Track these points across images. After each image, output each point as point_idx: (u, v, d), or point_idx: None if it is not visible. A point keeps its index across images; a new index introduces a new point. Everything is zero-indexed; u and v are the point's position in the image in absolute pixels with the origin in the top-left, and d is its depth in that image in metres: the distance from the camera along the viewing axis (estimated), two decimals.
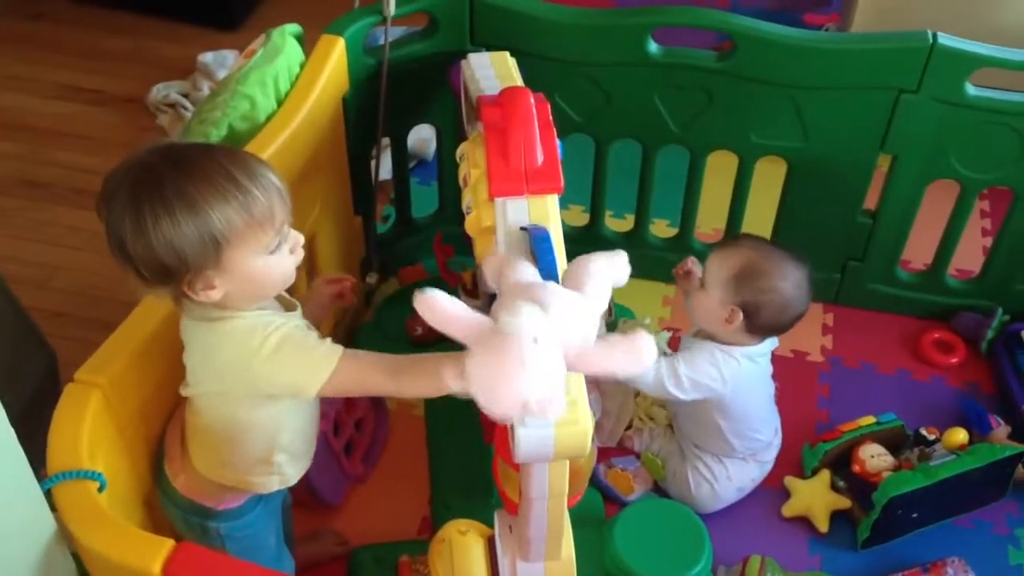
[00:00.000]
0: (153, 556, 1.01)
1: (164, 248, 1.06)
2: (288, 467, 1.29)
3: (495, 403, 0.92)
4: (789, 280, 1.52)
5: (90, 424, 1.14)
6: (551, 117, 1.20)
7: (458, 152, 1.26)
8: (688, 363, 1.54)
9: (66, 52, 2.65)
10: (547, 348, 0.92)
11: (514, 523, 1.20)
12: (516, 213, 1.13)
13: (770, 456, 1.68)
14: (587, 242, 1.99)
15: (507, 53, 1.47)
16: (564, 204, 1.99)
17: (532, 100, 1.17)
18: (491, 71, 1.38)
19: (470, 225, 1.21)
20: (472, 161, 1.20)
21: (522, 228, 1.11)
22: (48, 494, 1.07)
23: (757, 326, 1.54)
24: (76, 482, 1.09)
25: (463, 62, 1.47)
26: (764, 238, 1.61)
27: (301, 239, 1.17)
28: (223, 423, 1.21)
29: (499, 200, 1.14)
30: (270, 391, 1.16)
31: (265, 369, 1.13)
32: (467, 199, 1.22)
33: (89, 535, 1.05)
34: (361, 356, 1.16)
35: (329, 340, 1.16)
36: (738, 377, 1.55)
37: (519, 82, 1.37)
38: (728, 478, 1.63)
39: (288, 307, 1.23)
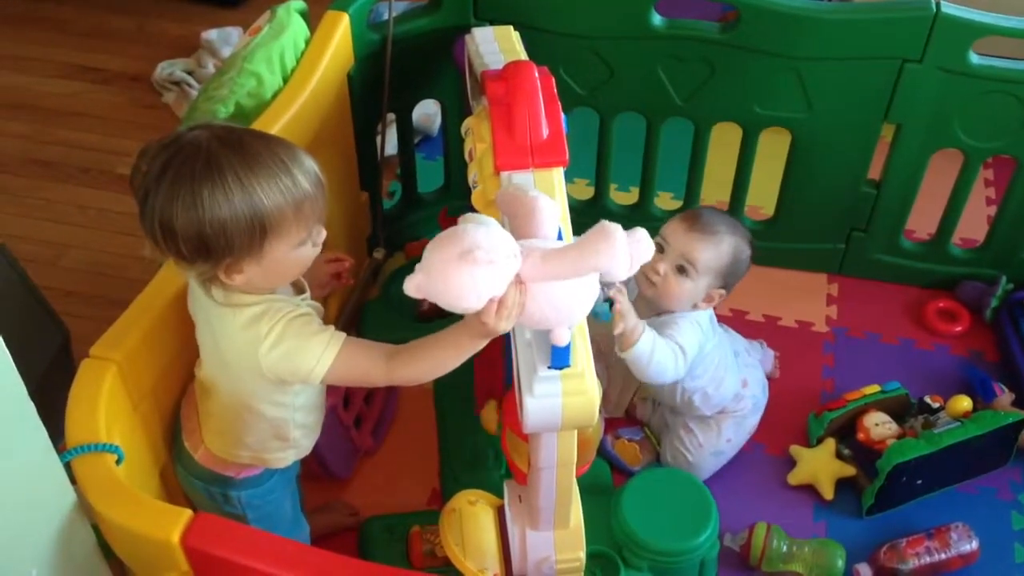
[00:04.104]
0: (172, 526, 1.03)
1: (215, 229, 1.07)
2: (304, 440, 1.32)
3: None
4: (749, 247, 1.59)
5: (106, 398, 1.16)
6: (555, 90, 1.21)
7: (463, 127, 1.27)
8: (683, 339, 1.54)
9: (70, 31, 2.65)
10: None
11: (523, 493, 1.22)
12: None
13: (743, 407, 1.67)
14: (592, 215, 1.97)
15: (511, 27, 1.47)
16: (569, 178, 1.99)
17: (536, 74, 1.18)
18: (495, 45, 1.38)
19: (476, 199, 1.21)
20: (477, 135, 1.21)
21: None
22: (67, 467, 1.09)
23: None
24: (94, 455, 1.11)
25: (467, 37, 1.47)
26: (717, 210, 1.65)
27: (324, 234, 1.19)
28: (238, 407, 1.23)
29: (505, 174, 1.15)
30: (277, 378, 1.18)
31: (269, 359, 1.15)
32: (473, 173, 1.23)
33: (108, 506, 1.08)
34: (362, 344, 1.17)
35: (332, 328, 1.17)
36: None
37: (523, 56, 1.38)
38: (699, 445, 1.65)
39: (298, 288, 1.24)
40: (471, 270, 0.92)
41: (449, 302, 0.94)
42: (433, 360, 1.13)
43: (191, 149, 1.08)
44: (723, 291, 1.58)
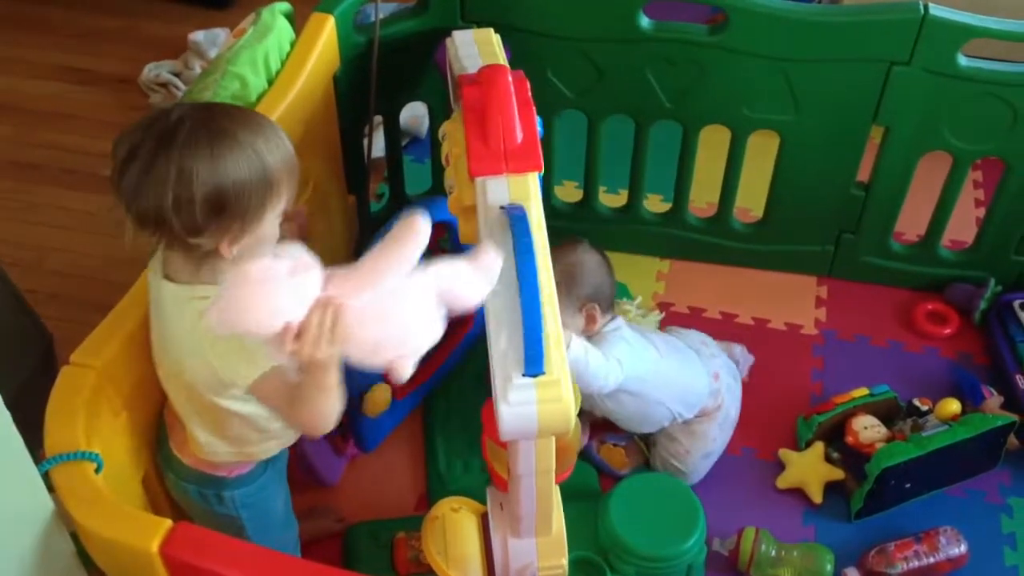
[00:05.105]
0: (151, 535, 1.03)
1: (237, 190, 1.08)
2: (286, 430, 1.29)
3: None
4: (583, 250, 1.58)
5: (86, 406, 1.15)
6: (531, 95, 1.19)
7: (440, 131, 1.26)
8: (614, 351, 1.54)
9: (57, 32, 2.64)
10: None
11: (504, 500, 1.21)
12: (496, 192, 1.13)
13: (720, 401, 1.66)
14: (581, 218, 1.99)
15: (491, 30, 1.45)
16: (558, 180, 2.01)
17: (511, 78, 1.16)
18: (474, 48, 1.37)
19: (452, 204, 1.21)
20: (453, 140, 1.20)
21: (501, 207, 1.11)
22: (46, 476, 1.09)
23: (606, 304, 1.59)
24: (73, 463, 1.10)
25: (448, 40, 1.46)
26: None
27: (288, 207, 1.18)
28: (210, 406, 1.21)
29: (479, 179, 1.14)
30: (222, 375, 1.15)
31: (211, 352, 1.13)
32: (449, 178, 1.22)
33: (87, 515, 1.07)
34: (287, 379, 1.12)
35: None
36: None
37: (502, 59, 1.36)
38: (687, 451, 1.64)
39: None
40: (250, 291, 0.92)
41: (246, 329, 0.93)
42: (310, 404, 1.10)
43: (184, 120, 1.09)
44: (595, 305, 1.56)
